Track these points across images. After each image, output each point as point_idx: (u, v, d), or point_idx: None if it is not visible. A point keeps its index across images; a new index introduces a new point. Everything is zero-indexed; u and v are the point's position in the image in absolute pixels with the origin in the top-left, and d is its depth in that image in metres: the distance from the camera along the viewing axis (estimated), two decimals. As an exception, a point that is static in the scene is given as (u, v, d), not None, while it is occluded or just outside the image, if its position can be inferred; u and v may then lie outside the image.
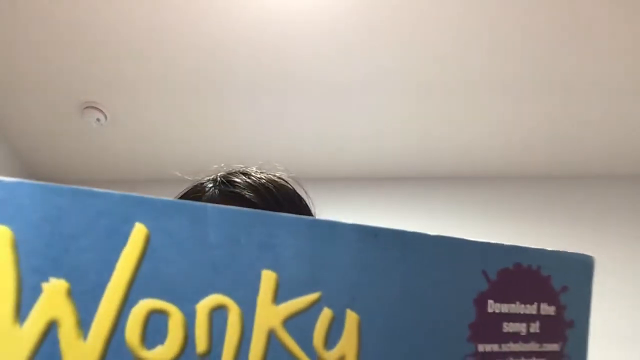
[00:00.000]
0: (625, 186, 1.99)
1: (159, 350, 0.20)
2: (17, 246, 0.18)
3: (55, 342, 0.18)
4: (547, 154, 1.92)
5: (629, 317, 1.86)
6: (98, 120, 1.81)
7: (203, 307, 0.21)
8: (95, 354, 0.19)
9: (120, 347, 0.19)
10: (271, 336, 0.22)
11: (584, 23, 1.47)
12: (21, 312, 0.18)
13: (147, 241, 0.20)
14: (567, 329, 0.32)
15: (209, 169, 0.53)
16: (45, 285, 0.18)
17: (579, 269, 0.32)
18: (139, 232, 0.20)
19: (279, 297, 0.22)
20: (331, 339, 0.23)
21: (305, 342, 0.23)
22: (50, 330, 0.18)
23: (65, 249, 0.19)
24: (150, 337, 0.20)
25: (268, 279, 0.22)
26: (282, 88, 1.72)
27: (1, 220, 0.18)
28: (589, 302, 0.32)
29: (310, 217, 0.24)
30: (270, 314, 0.22)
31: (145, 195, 0.20)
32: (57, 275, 0.19)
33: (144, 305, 0.20)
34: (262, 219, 0.23)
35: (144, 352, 0.19)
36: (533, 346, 0.30)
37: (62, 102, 1.79)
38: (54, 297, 0.18)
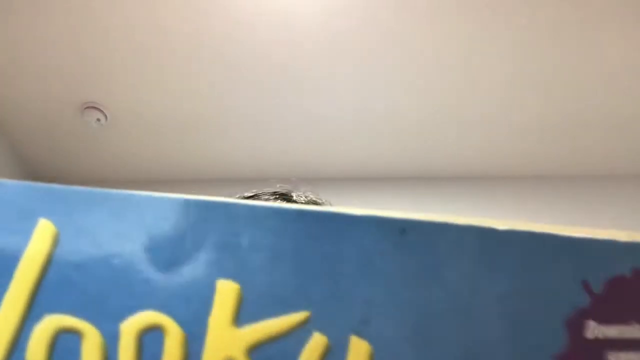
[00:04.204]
0: (625, 186, 1.92)
1: (67, 381, 0.15)
2: None
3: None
4: (546, 154, 1.87)
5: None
6: (98, 120, 1.82)
7: (129, 326, 0.16)
8: (-16, 381, 0.15)
9: (16, 375, 0.15)
10: (232, 370, 0.16)
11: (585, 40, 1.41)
12: None
13: (55, 241, 0.16)
14: None
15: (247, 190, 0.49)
16: None
17: None
18: (44, 230, 0.16)
19: (242, 316, 0.16)
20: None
21: (287, 382, 0.16)
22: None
23: (-39, 252, 0.16)
24: (57, 364, 0.15)
25: (226, 291, 0.16)
26: (284, 90, 1.70)
27: None
28: None
29: (298, 206, 0.18)
30: (228, 340, 0.16)
31: (58, 185, 0.16)
32: (-52, 283, 0.16)
33: (50, 322, 0.16)
34: (223, 209, 0.17)
35: (46, 383, 0.15)
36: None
37: (62, 102, 1.81)
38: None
